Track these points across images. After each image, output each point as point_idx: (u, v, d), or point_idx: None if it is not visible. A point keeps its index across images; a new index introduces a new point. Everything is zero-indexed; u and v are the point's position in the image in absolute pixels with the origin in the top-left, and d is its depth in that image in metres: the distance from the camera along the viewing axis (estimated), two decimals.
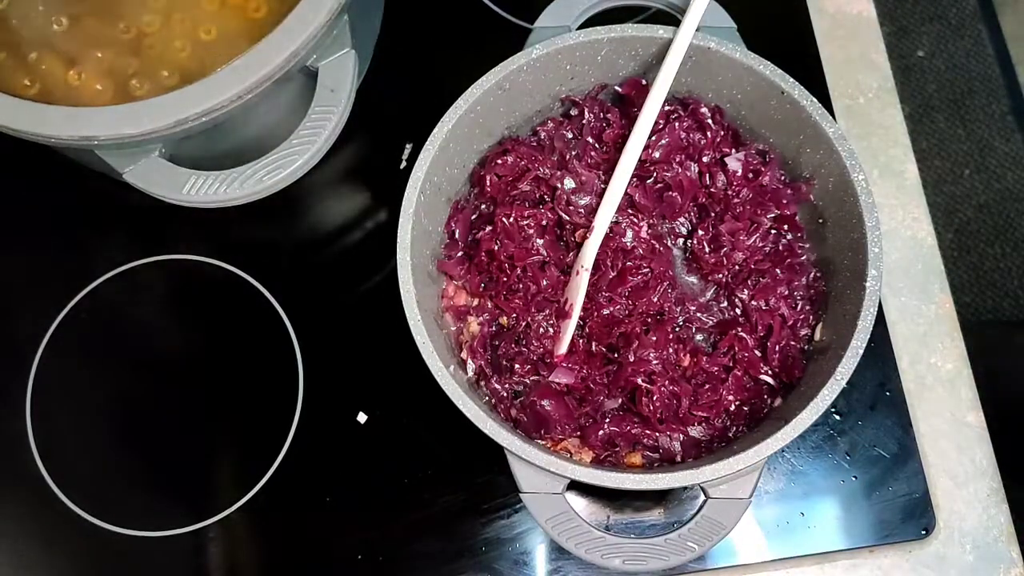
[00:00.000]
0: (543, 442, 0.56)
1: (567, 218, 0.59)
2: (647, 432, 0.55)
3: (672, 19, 0.61)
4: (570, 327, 0.57)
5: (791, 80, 0.56)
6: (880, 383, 0.63)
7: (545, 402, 0.56)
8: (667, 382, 0.56)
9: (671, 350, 0.57)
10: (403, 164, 0.69)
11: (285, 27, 0.54)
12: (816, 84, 0.69)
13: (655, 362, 0.56)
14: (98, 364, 0.65)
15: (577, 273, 0.57)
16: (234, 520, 0.61)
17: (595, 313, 0.57)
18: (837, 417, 0.62)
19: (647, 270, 0.57)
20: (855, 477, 0.61)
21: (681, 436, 0.56)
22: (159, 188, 0.55)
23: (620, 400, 0.56)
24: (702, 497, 0.52)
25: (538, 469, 0.51)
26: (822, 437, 0.62)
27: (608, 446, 0.56)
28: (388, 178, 0.69)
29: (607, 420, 0.56)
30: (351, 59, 0.57)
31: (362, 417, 0.63)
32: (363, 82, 0.68)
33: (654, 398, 0.55)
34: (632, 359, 0.56)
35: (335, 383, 0.64)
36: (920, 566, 0.60)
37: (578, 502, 0.60)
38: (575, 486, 0.52)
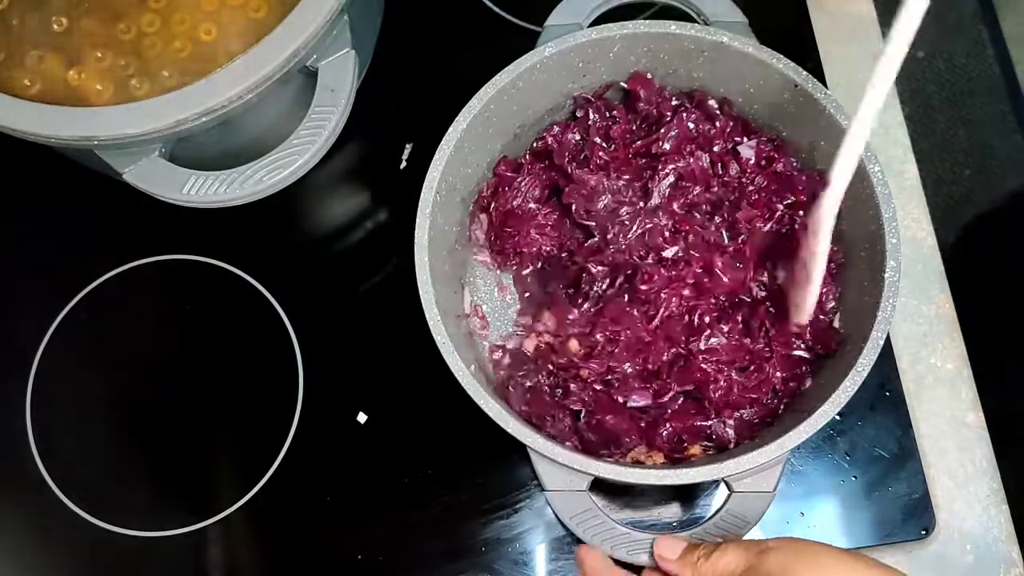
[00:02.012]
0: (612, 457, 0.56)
1: (589, 223, 0.59)
2: (702, 422, 0.56)
3: (681, 14, 0.61)
4: (813, 294, 0.52)
5: (804, 73, 0.56)
6: (880, 383, 0.63)
7: (609, 417, 0.56)
8: (733, 370, 0.56)
9: (735, 336, 0.57)
10: (403, 164, 0.69)
11: (285, 27, 0.54)
12: None
13: (721, 351, 0.56)
14: (98, 364, 0.65)
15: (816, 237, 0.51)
16: (234, 520, 0.61)
17: (665, 312, 0.57)
18: (837, 417, 0.61)
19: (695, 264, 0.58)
20: (855, 477, 0.61)
21: (733, 421, 0.56)
22: (159, 188, 0.55)
23: (681, 397, 0.57)
24: (724, 492, 0.52)
25: (561, 467, 0.51)
26: (822, 437, 0.62)
27: (675, 443, 0.56)
28: (388, 178, 0.69)
29: (666, 419, 0.56)
30: (351, 59, 0.57)
31: (362, 417, 0.63)
32: (363, 82, 0.68)
33: (720, 383, 0.55)
34: (703, 347, 0.56)
35: (335, 383, 0.64)
36: (920, 566, 0.60)
37: (598, 499, 0.60)
38: (595, 484, 0.52)
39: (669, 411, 0.56)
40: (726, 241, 0.59)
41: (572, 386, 0.57)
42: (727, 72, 0.59)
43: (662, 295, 0.57)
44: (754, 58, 0.57)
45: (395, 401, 0.63)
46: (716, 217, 0.59)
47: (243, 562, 0.61)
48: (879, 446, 0.61)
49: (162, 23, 0.56)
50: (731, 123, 0.60)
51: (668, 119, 0.60)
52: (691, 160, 0.59)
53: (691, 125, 0.60)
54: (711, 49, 0.58)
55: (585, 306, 0.58)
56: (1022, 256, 0.75)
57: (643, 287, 0.57)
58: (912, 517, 0.60)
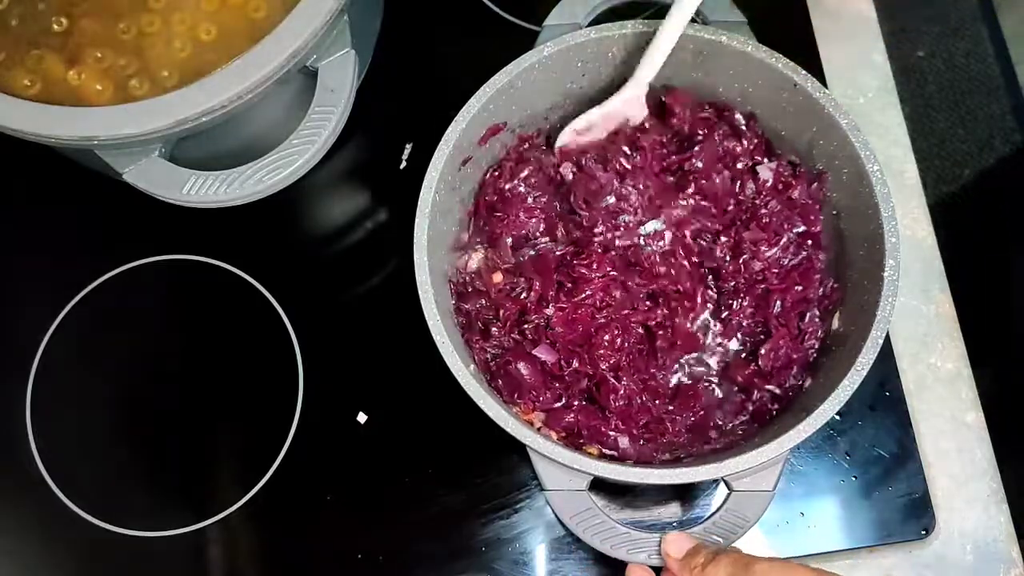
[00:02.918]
0: (515, 408, 0.57)
1: (582, 213, 0.59)
2: (603, 427, 0.56)
3: None
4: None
5: (803, 72, 0.56)
6: (880, 383, 0.63)
7: (520, 364, 0.56)
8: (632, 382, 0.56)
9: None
10: (403, 164, 0.69)
11: (285, 27, 0.54)
12: None
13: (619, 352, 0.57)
14: (98, 364, 0.65)
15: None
16: (234, 520, 0.61)
17: (584, 298, 0.58)
18: (837, 417, 0.61)
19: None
20: (855, 477, 0.61)
21: (628, 437, 0.56)
22: (159, 188, 0.55)
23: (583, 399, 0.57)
24: (723, 492, 0.52)
25: (561, 466, 0.51)
26: (822, 437, 0.62)
27: (572, 433, 0.56)
28: (388, 178, 0.69)
29: (572, 409, 0.57)
30: (351, 59, 0.57)
31: (362, 417, 0.63)
32: (363, 82, 0.68)
33: (620, 392, 0.56)
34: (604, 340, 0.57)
35: (335, 383, 0.64)
36: (920, 566, 0.60)
37: (597, 499, 0.60)
38: (594, 483, 0.52)
39: (576, 404, 0.57)
40: (727, 260, 0.59)
41: (493, 329, 0.58)
42: (726, 72, 0.59)
43: (592, 281, 0.57)
44: (753, 57, 0.57)
45: (395, 401, 0.63)
46: (723, 236, 0.59)
47: (243, 562, 0.61)
48: (879, 446, 0.61)
49: (162, 23, 0.56)
50: (755, 140, 0.60)
51: (700, 137, 0.60)
52: (716, 179, 0.59)
53: (719, 143, 0.60)
54: (710, 49, 0.58)
55: (523, 250, 0.59)
56: (1022, 255, 0.75)
57: (580, 265, 0.58)
58: (912, 517, 0.60)
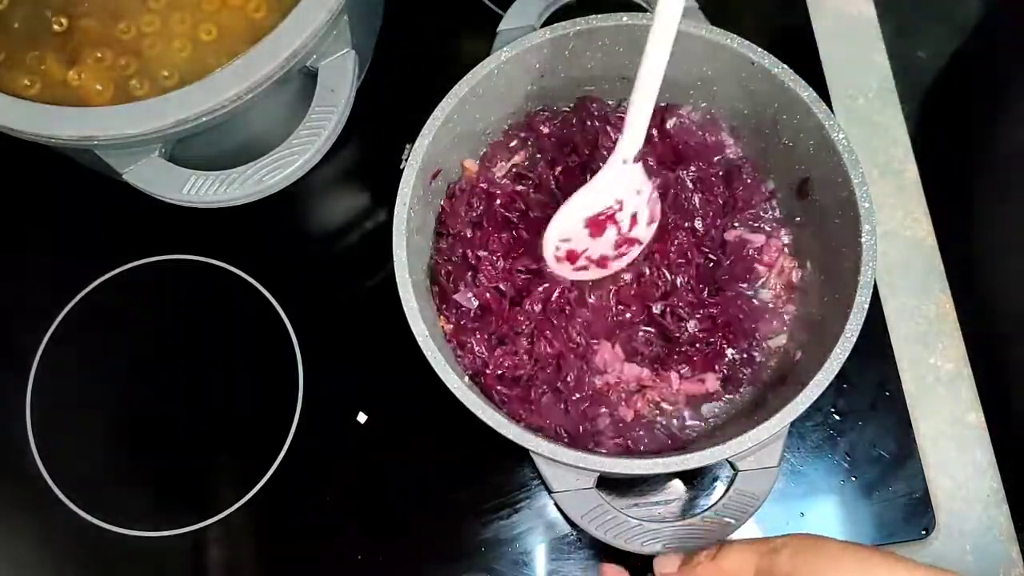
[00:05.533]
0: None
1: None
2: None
3: (633, 6, 0.61)
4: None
5: (759, 50, 0.56)
6: (880, 383, 0.63)
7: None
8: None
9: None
10: (403, 164, 0.68)
11: (285, 27, 0.54)
12: (816, 84, 0.68)
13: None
14: (98, 364, 0.65)
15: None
16: (234, 520, 0.61)
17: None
18: (837, 417, 0.62)
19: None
20: (855, 477, 0.61)
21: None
22: (159, 188, 0.55)
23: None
24: (728, 475, 0.52)
25: (567, 467, 0.51)
26: (822, 437, 0.62)
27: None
28: (388, 178, 0.68)
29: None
30: (351, 59, 0.57)
31: (362, 417, 0.63)
32: (363, 82, 0.68)
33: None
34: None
35: (335, 383, 0.64)
36: None
37: (605, 495, 0.60)
38: (600, 479, 0.52)
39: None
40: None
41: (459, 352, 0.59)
42: (684, 57, 0.58)
43: (522, 335, 0.58)
44: (708, 40, 0.57)
45: (395, 401, 0.63)
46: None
47: (243, 562, 0.61)
48: (879, 446, 0.61)
49: (162, 23, 0.56)
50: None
51: None
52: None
53: None
54: None
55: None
56: (1022, 256, 0.75)
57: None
58: (912, 517, 0.60)
